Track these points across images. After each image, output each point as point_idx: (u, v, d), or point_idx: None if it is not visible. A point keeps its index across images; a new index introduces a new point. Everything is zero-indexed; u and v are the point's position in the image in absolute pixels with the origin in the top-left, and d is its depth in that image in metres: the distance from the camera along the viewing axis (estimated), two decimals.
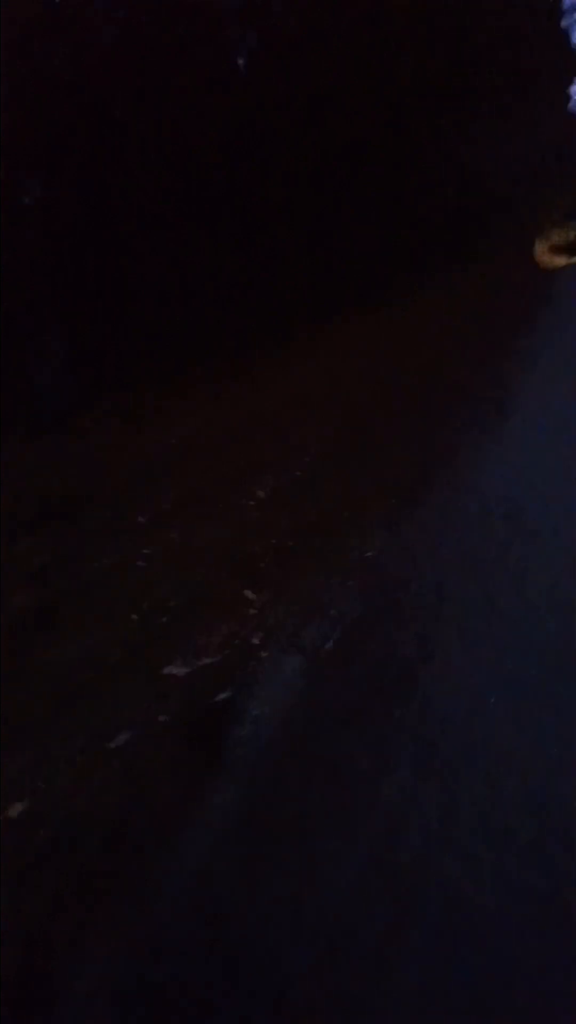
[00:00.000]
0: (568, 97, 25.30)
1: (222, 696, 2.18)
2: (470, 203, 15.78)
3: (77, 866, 1.78)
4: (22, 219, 7.85)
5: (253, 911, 1.60)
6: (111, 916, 1.64)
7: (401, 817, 1.75)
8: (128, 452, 5.40)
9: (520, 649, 2.21)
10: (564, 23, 21.75)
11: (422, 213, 13.60)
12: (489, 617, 2.41)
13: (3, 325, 7.49)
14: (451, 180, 15.02)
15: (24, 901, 1.74)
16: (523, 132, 18.01)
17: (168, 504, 4.00)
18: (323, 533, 3.25)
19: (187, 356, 8.51)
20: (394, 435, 4.44)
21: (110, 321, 8.31)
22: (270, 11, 10.24)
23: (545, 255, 30.16)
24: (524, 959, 1.48)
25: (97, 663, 2.49)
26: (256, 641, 2.51)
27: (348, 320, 9.34)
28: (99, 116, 8.70)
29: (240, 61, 10.12)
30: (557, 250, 33.59)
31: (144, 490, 4.55)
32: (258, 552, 3.15)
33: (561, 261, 33.38)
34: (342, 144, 11.26)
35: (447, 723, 2.02)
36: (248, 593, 2.87)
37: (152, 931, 1.59)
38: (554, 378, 5.54)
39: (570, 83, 24.86)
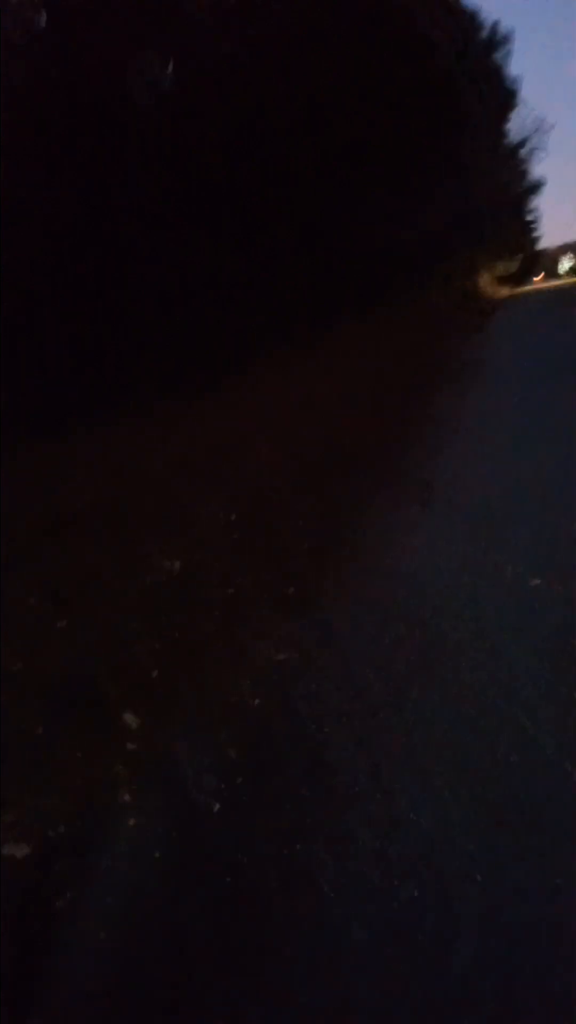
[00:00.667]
0: (503, 134, 26.35)
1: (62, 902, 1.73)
2: (401, 245, 15.98)
3: None
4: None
5: None
6: None
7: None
8: None
9: (452, 770, 1.94)
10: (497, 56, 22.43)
11: (349, 254, 13.58)
12: (412, 739, 2.09)
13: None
14: (384, 222, 15.19)
15: None
16: (456, 174, 18.51)
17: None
18: (214, 637, 2.76)
19: None
20: (301, 517, 3.76)
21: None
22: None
23: (490, 285, 30.99)
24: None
25: None
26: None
27: (254, 372, 8.78)
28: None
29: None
30: (502, 280, 34.67)
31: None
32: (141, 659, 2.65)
33: (505, 291, 34.44)
34: (270, 183, 11.11)
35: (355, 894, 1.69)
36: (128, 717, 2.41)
37: None
38: (481, 447, 5.11)
39: (504, 120, 25.95)
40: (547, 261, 54.69)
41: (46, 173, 8.53)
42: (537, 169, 64.65)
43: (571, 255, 56.08)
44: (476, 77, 18.22)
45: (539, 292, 33.23)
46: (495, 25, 19.90)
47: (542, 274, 52.25)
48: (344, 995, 1.43)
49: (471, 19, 18.07)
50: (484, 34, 19.30)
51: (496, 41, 19.80)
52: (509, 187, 28.50)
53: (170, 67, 9.92)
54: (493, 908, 1.51)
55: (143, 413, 6.97)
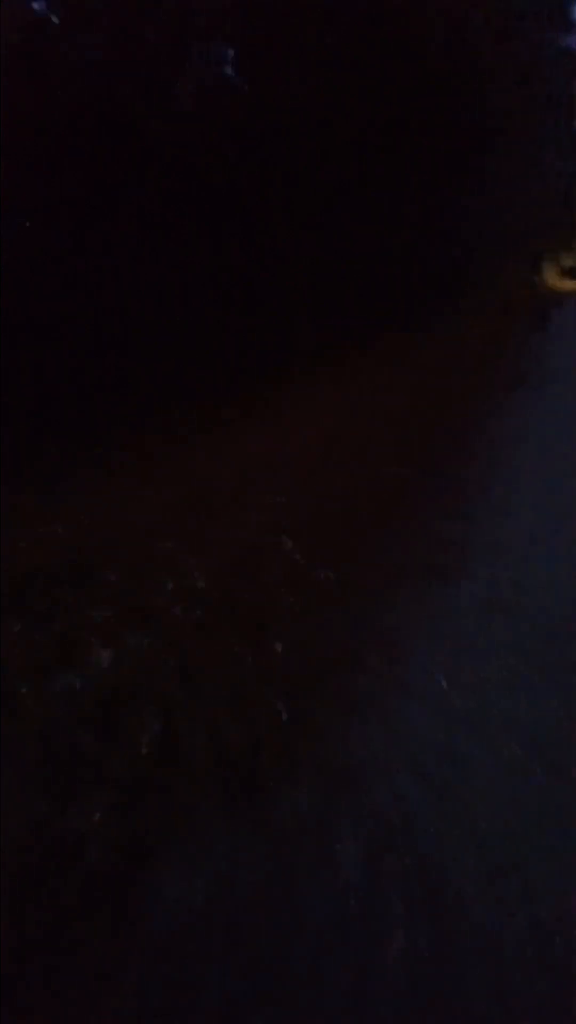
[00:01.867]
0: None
1: None
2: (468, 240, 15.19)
3: None
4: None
5: None
6: None
7: None
8: None
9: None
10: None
11: (405, 256, 12.91)
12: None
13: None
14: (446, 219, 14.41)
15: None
16: (525, 160, 17.43)
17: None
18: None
19: None
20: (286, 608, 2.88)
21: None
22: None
23: (555, 278, 29.35)
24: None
25: None
26: None
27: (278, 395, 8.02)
28: (93, 149, 8.23)
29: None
30: (568, 272, 32.84)
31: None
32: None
33: (572, 284, 32.62)
34: (330, 185, 10.71)
35: None
36: None
37: None
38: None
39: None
40: None
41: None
42: None
43: None
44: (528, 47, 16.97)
45: None
46: None
47: None
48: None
49: None
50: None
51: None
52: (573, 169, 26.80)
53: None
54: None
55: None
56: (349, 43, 10.40)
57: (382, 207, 12.56)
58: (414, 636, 2.81)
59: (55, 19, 9.24)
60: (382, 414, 7.35)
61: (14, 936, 1.63)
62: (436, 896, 1.66)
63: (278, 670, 2.56)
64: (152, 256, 9.06)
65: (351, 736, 2.23)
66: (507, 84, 15.75)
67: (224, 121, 9.63)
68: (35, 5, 9.04)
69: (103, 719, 2.31)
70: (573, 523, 3.91)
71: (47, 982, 1.53)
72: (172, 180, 9.14)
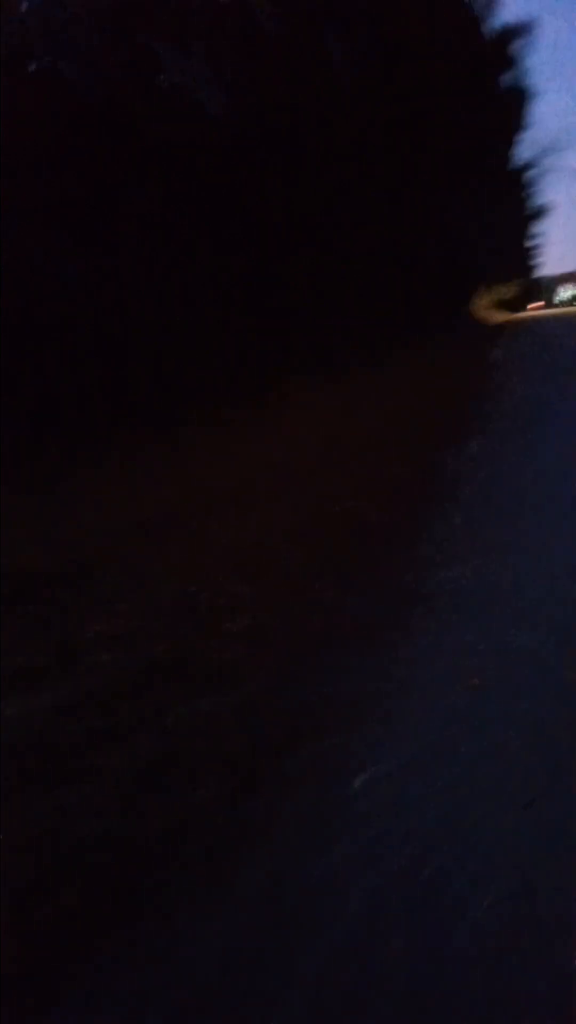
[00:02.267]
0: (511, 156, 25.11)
1: None
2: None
3: None
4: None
5: None
6: None
7: None
8: None
9: None
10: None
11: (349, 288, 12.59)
12: None
13: None
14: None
15: None
16: (463, 198, 17.64)
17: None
18: None
19: None
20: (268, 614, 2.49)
21: None
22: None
23: (485, 311, 30.09)
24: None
25: None
26: None
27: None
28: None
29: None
30: (499, 306, 33.86)
31: None
32: None
33: (501, 316, 33.69)
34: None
35: None
36: None
37: None
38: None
39: (514, 139, 24.81)
40: (545, 288, 54.35)
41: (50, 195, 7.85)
42: (544, 192, 64.73)
43: (572, 284, 55.80)
44: (487, 93, 17.38)
45: (537, 320, 32.48)
46: (510, 36, 18.88)
47: (541, 302, 51.85)
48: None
49: (479, 31, 17.12)
50: (499, 49, 18.44)
51: (509, 58, 18.97)
52: (514, 210, 27.74)
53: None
54: None
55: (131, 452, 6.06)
56: None
57: (334, 241, 12.14)
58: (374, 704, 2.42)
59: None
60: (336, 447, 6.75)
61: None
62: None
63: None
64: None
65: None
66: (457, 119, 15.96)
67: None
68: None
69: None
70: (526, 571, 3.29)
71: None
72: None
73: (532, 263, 36.28)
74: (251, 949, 1.57)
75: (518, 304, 39.48)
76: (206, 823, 1.95)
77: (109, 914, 1.70)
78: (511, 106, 20.47)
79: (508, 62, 19.56)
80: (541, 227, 46.80)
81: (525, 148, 25.45)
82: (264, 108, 9.31)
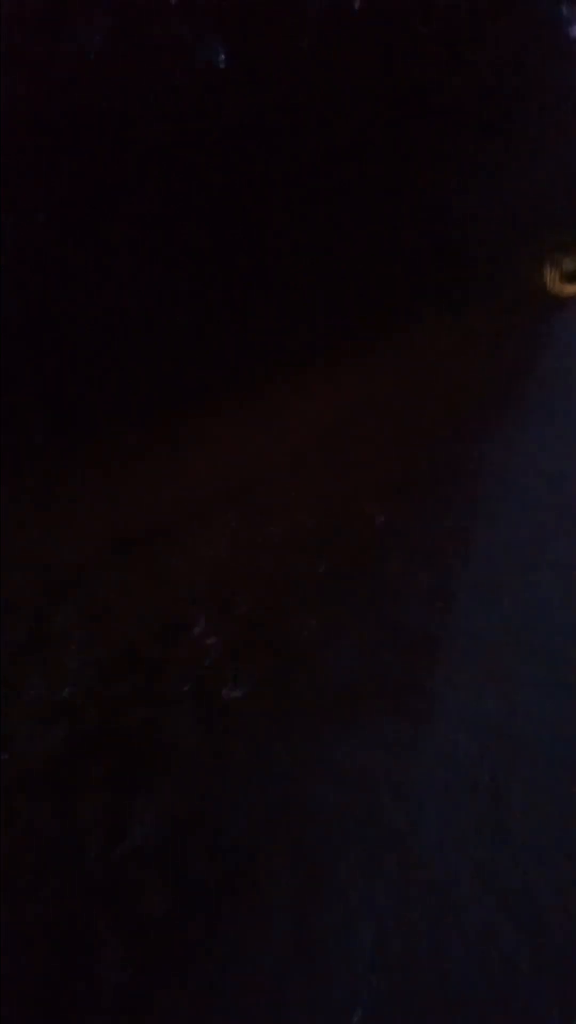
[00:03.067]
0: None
1: None
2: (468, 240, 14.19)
3: None
4: None
5: None
6: None
7: None
8: None
9: None
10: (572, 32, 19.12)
11: (414, 252, 11.79)
12: None
13: None
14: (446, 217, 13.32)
15: None
16: (525, 158, 16.25)
17: None
18: None
19: None
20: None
21: None
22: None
23: (557, 283, 28.18)
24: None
25: None
26: None
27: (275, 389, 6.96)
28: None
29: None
30: (569, 277, 31.70)
31: None
32: None
33: (573, 289, 31.45)
34: (330, 180, 9.73)
35: None
36: None
37: None
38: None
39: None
40: None
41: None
42: None
43: None
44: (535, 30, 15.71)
45: None
46: None
47: None
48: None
49: None
50: None
51: None
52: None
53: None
54: None
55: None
56: (345, 36, 9.38)
57: (381, 203, 11.41)
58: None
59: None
60: (371, 426, 6.13)
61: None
62: None
63: None
64: (150, 255, 8.36)
65: None
66: (505, 72, 14.59)
67: (219, 116, 8.59)
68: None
69: None
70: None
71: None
72: (164, 179, 8.25)
73: None
74: None
75: None
76: None
77: None
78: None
79: None
80: None
81: None
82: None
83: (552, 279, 26.66)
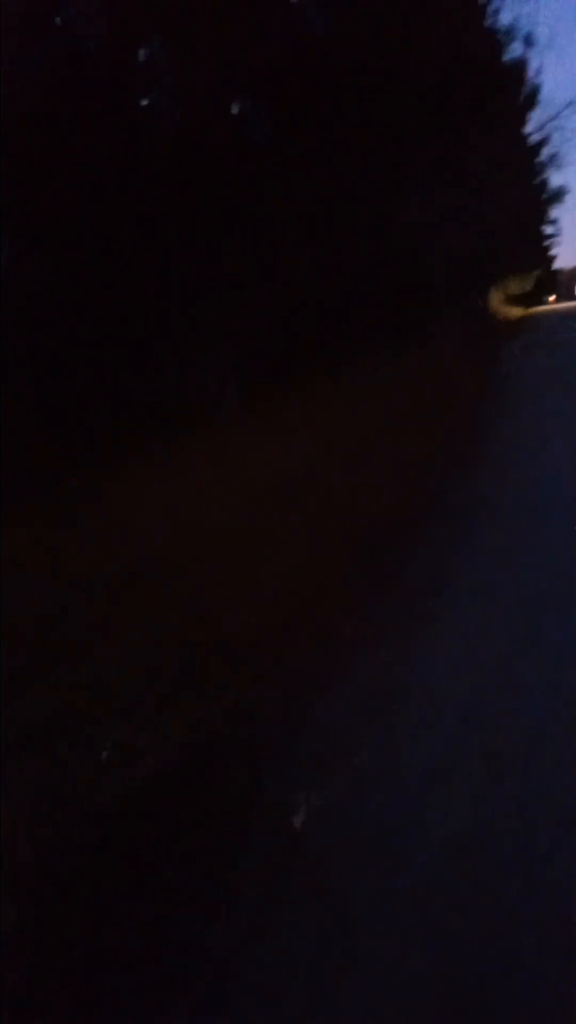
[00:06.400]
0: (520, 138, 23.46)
1: None
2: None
3: None
4: None
5: None
6: None
7: None
8: None
9: None
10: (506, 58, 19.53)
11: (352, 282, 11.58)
12: None
13: None
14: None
15: None
16: (468, 185, 16.43)
17: None
18: None
19: None
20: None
21: None
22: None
23: (502, 306, 28.61)
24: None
25: None
26: None
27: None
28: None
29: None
30: (515, 300, 32.39)
31: None
32: None
33: (519, 311, 32.19)
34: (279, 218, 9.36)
35: None
36: None
37: None
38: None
39: (522, 121, 23.22)
40: (564, 281, 52.45)
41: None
42: (559, 177, 62.42)
43: None
44: (486, 73, 16.04)
45: (557, 313, 30.90)
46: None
47: (555, 295, 50.05)
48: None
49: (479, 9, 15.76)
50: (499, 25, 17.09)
51: (514, 31, 17.57)
52: (525, 195, 26.21)
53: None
54: None
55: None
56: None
57: (333, 233, 11.09)
58: None
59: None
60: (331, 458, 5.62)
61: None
62: None
63: None
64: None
65: None
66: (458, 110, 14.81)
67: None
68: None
69: None
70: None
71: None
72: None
73: (550, 253, 34.75)
74: None
75: (535, 299, 37.97)
76: None
77: None
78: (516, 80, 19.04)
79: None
80: (559, 214, 45.06)
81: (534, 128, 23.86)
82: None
83: (498, 302, 27.10)
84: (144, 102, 8.27)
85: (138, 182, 7.57)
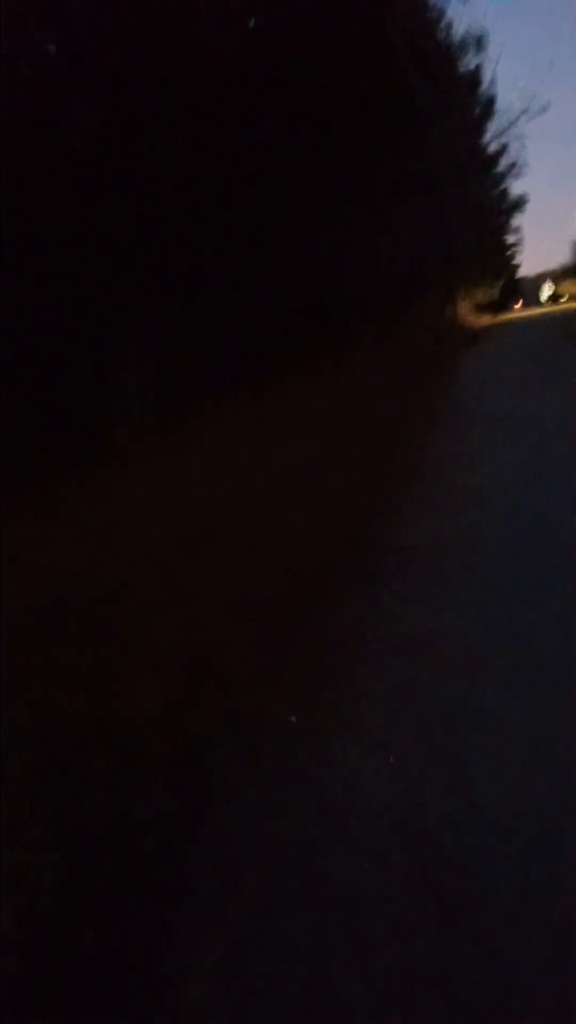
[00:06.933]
0: (479, 147, 23.94)
1: None
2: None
3: None
4: None
5: None
6: None
7: None
8: None
9: None
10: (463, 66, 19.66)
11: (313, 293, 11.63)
12: None
13: None
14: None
15: None
16: (427, 193, 16.76)
17: None
18: None
19: None
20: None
21: None
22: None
23: (470, 314, 29.08)
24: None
25: None
26: None
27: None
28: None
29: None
30: (482, 308, 33.00)
31: None
32: None
33: (485, 319, 32.78)
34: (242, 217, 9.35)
35: None
36: None
37: None
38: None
39: (480, 130, 23.72)
40: (528, 289, 53.46)
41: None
42: (519, 185, 63.77)
43: (550, 283, 54.86)
44: (444, 83, 16.38)
45: (521, 319, 31.46)
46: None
47: (520, 302, 50.98)
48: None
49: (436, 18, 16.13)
50: (453, 35, 17.47)
51: (468, 42, 18.01)
52: (487, 205, 26.68)
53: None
54: None
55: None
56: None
57: (300, 239, 11.10)
58: None
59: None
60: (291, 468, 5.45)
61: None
62: None
63: None
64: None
65: None
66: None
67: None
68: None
69: None
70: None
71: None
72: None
73: (514, 261, 35.46)
74: None
75: (501, 306, 38.61)
76: None
77: None
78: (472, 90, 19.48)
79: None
80: (521, 223, 46.04)
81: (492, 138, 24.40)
82: None
83: (466, 310, 27.48)
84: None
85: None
